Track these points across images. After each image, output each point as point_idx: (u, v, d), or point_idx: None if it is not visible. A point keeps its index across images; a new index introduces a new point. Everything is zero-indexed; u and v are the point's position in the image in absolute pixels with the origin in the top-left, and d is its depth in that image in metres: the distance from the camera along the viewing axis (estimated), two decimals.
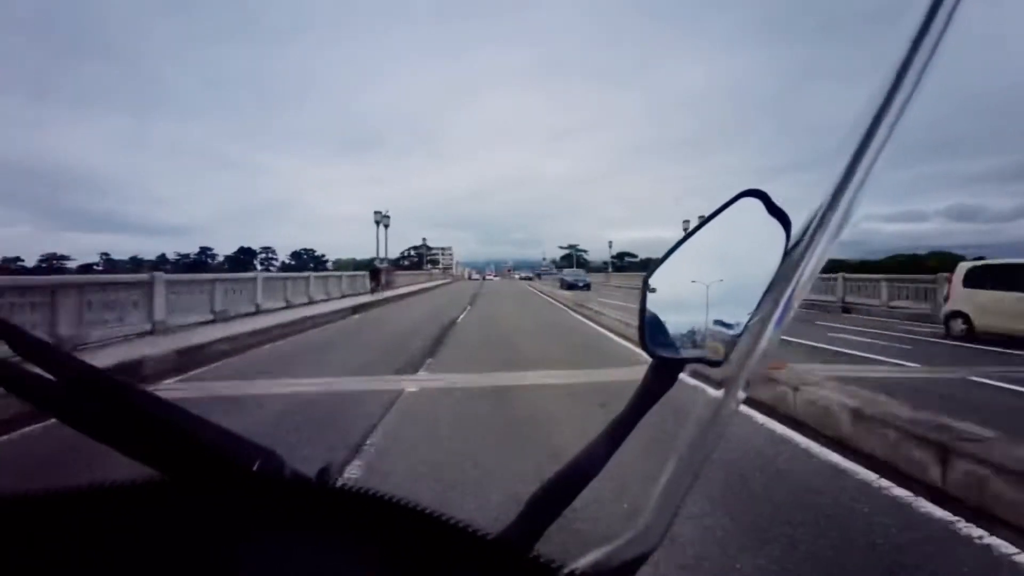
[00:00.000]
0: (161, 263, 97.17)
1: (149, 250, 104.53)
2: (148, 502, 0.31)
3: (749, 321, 0.38)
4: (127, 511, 0.30)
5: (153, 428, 0.34)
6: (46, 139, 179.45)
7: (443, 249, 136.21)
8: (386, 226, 30.87)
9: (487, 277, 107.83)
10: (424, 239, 55.46)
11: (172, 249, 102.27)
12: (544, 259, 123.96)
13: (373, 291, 21.52)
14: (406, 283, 34.56)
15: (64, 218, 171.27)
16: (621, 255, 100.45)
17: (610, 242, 63.09)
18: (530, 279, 75.94)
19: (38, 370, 0.36)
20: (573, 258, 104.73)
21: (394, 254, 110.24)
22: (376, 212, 29.96)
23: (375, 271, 23.73)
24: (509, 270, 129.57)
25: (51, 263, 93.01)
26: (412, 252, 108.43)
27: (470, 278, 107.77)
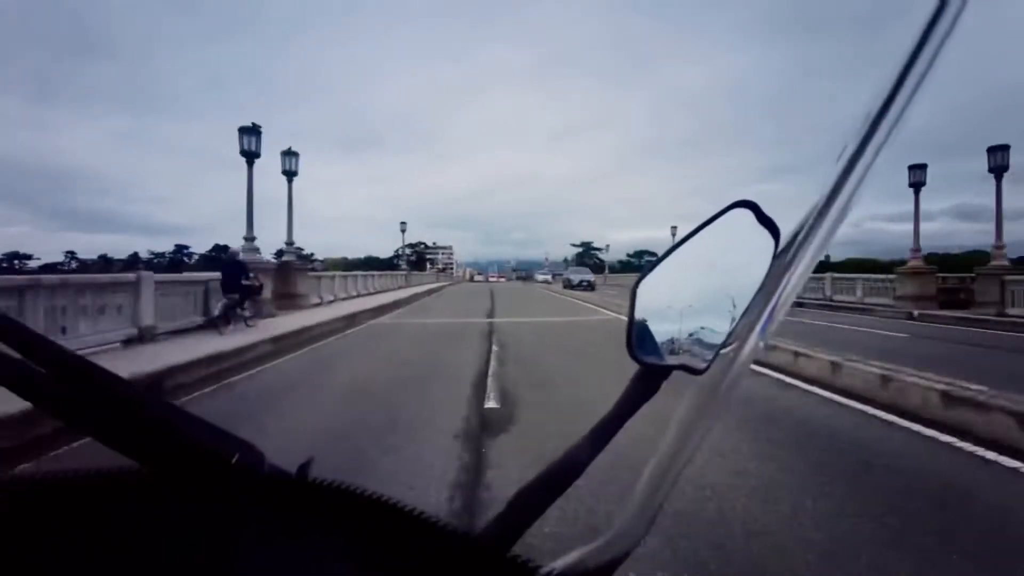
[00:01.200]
0: (133, 262, 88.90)
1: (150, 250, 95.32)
2: (127, 492, 0.31)
3: (735, 327, 0.38)
4: (106, 501, 0.31)
5: (134, 419, 0.34)
6: (47, 138, 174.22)
7: (443, 248, 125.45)
8: (289, 176, 14.09)
9: (491, 279, 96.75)
10: (402, 224, 40.60)
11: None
12: (546, 259, 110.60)
13: (222, 324, 8.77)
14: (345, 293, 18.46)
15: (64, 218, 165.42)
16: (640, 253, 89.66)
17: (674, 228, 38.22)
18: (589, 286, 34.16)
19: (22, 358, 0.35)
20: (585, 258, 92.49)
21: (387, 252, 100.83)
22: (244, 131, 12.14)
23: (232, 269, 9.65)
24: (514, 270, 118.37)
25: (12, 263, 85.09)
26: (408, 251, 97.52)
27: (472, 280, 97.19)
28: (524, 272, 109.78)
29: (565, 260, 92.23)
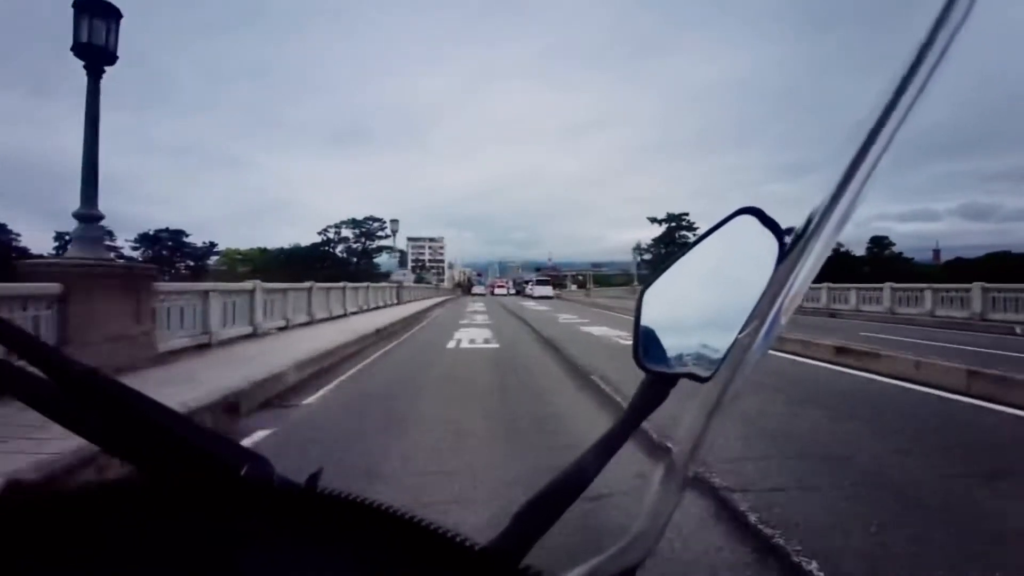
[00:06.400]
0: None
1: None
2: (135, 503, 0.31)
3: (740, 333, 0.37)
4: (115, 512, 0.31)
5: (142, 429, 0.34)
6: (45, 136, 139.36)
7: (431, 240, 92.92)
8: (92, 57, 4.93)
9: (496, 290, 65.67)
10: (393, 222, 17.92)
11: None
12: (549, 260, 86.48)
13: None
14: (284, 320, 8.80)
15: (63, 218, 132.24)
16: None
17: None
18: None
19: (31, 369, 0.35)
20: (664, 245, 54.74)
21: (307, 239, 58.45)
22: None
23: None
24: (539, 271, 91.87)
25: None
26: (346, 234, 59.29)
27: (470, 290, 64.83)
28: (552, 272, 76.96)
29: (637, 247, 56.13)
